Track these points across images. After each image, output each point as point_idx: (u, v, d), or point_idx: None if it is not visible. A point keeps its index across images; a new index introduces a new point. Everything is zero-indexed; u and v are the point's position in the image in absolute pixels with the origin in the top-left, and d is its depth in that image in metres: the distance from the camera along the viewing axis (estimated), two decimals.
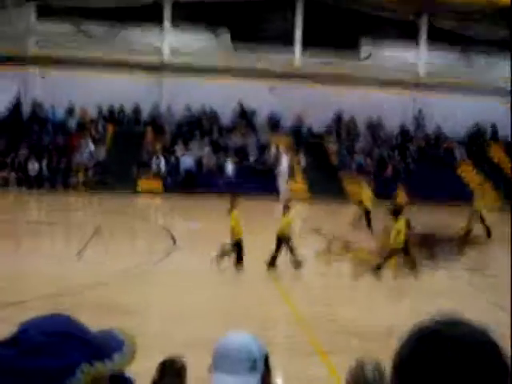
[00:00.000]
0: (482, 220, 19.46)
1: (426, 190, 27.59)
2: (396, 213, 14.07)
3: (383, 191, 22.71)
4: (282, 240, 13.99)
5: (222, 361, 2.18)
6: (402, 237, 13.72)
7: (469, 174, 31.80)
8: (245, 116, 32.63)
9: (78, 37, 31.59)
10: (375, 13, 32.66)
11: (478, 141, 33.95)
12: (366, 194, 20.85)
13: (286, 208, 14.37)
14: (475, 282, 14.33)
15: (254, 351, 2.21)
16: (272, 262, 13.94)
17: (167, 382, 4.17)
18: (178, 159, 29.41)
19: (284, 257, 14.05)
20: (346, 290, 13.01)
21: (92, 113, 31.55)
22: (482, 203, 19.91)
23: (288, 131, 32.68)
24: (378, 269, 13.80)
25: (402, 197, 20.47)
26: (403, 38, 33.80)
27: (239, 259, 13.84)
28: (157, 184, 27.84)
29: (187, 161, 29.23)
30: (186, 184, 27.62)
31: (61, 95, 30.36)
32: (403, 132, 33.50)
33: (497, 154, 33.85)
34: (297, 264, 13.94)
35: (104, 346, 1.30)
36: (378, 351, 3.70)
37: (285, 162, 28.31)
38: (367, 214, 20.16)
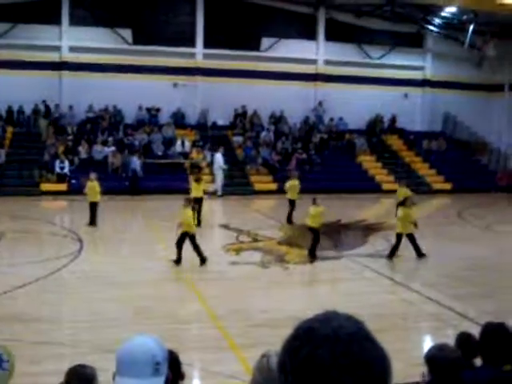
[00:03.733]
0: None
1: (329, 181, 28.28)
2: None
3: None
4: (187, 236, 14.10)
5: (124, 365, 2.15)
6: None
7: (369, 163, 32.78)
8: (149, 113, 32.33)
9: None
10: (276, 5, 33.10)
11: (376, 131, 34.98)
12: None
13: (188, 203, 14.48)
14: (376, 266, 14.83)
15: (157, 354, 2.19)
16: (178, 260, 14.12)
17: None
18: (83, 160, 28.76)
19: (191, 253, 14.11)
20: (255, 281, 13.13)
21: None
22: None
23: (193, 126, 32.64)
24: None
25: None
26: (303, 31, 34.38)
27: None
28: (61, 186, 27.12)
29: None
30: None
31: None
32: (306, 124, 34.05)
33: (395, 142, 35.02)
34: (202, 261, 14.10)
35: None
36: None
37: (220, 158, 28.14)
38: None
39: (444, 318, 10.45)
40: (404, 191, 19.76)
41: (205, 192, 21.41)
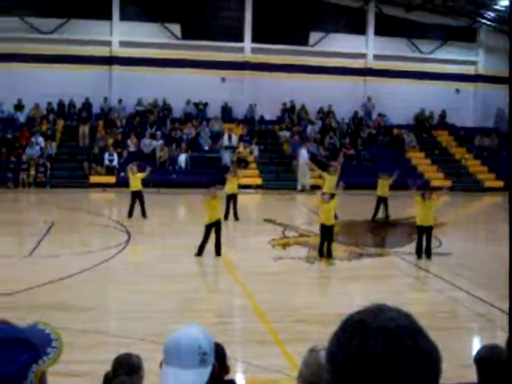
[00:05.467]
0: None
1: (377, 177, 27.89)
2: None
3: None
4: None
5: (172, 355, 2.18)
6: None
7: (418, 159, 32.33)
8: (197, 107, 32.51)
9: (24, 30, 30.76)
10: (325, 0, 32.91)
11: (426, 126, 34.49)
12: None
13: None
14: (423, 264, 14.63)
15: (203, 345, 2.21)
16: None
17: (122, 378, 4.09)
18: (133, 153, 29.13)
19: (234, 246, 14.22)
20: (300, 276, 13.09)
21: (42, 107, 30.92)
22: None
23: (240, 121, 32.71)
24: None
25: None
26: (352, 25, 34.15)
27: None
28: (110, 178, 27.51)
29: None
30: None
31: (8, 91, 29.72)
32: (354, 120, 33.76)
33: (445, 138, 34.48)
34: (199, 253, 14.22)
35: (40, 344, 1.32)
36: None
37: (304, 153, 28.23)
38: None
39: (493, 319, 10.27)
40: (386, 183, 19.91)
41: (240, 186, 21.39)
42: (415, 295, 11.98)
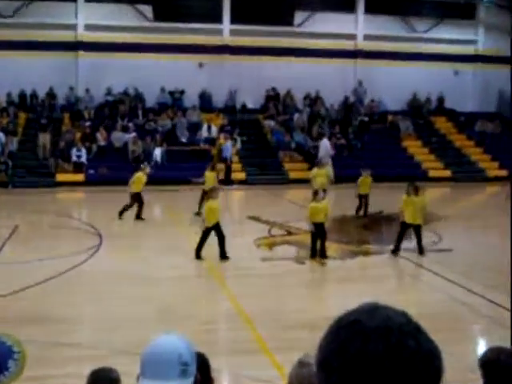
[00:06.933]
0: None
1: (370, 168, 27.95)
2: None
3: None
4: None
5: (149, 367, 2.13)
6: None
7: (415, 148, 32.36)
8: (172, 96, 32.34)
9: None
10: None
11: (422, 112, 34.50)
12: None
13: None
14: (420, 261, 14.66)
15: (184, 354, 2.17)
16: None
17: None
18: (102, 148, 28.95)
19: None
20: (289, 278, 13.09)
21: (1, 99, 30.61)
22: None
23: (221, 110, 32.54)
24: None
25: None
26: (340, 3, 34.09)
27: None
28: (78, 176, 27.33)
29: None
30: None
31: None
32: (344, 106, 33.69)
33: (443, 125, 34.48)
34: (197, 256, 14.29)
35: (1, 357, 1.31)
36: None
37: (327, 145, 27.90)
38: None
39: (500, 320, 10.31)
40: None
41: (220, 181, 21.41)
42: (414, 295, 12.01)
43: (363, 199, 20.19)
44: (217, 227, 14.19)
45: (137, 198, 19.14)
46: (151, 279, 12.65)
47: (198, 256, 14.23)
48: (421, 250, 14.93)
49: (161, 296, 11.52)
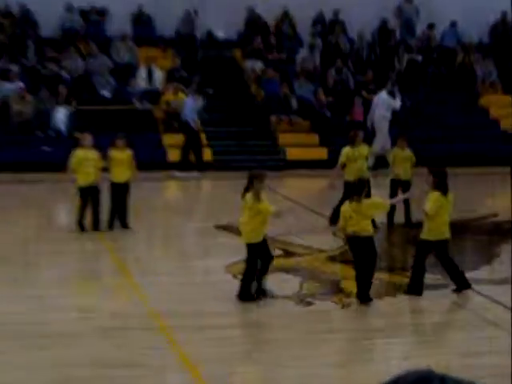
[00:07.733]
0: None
1: (426, 143, 23.02)
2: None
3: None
4: None
5: None
6: None
7: (501, 108, 26.31)
8: (86, 18, 26.68)
9: None
10: None
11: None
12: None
13: None
14: None
15: None
16: None
17: None
18: None
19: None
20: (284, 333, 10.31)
21: None
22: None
23: (170, 42, 26.91)
24: None
25: None
26: None
27: None
28: None
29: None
30: None
31: None
32: (381, 36, 27.70)
33: None
34: None
35: None
36: None
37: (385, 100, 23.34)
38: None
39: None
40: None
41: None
42: (494, 358, 9.18)
43: (400, 189, 16.49)
44: (265, 244, 11.63)
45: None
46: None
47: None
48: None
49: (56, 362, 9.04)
